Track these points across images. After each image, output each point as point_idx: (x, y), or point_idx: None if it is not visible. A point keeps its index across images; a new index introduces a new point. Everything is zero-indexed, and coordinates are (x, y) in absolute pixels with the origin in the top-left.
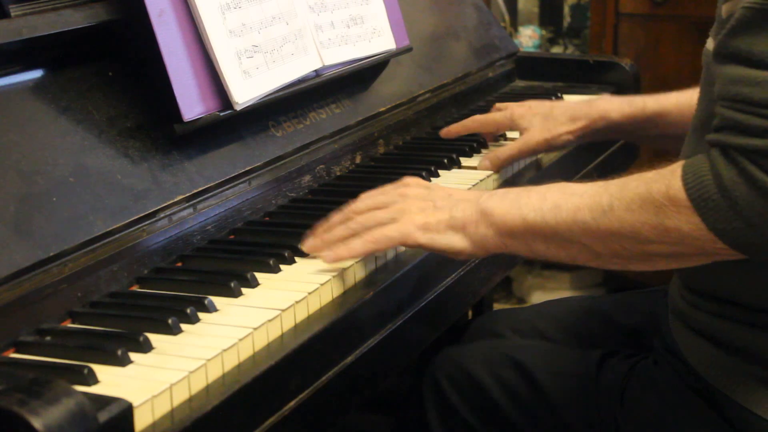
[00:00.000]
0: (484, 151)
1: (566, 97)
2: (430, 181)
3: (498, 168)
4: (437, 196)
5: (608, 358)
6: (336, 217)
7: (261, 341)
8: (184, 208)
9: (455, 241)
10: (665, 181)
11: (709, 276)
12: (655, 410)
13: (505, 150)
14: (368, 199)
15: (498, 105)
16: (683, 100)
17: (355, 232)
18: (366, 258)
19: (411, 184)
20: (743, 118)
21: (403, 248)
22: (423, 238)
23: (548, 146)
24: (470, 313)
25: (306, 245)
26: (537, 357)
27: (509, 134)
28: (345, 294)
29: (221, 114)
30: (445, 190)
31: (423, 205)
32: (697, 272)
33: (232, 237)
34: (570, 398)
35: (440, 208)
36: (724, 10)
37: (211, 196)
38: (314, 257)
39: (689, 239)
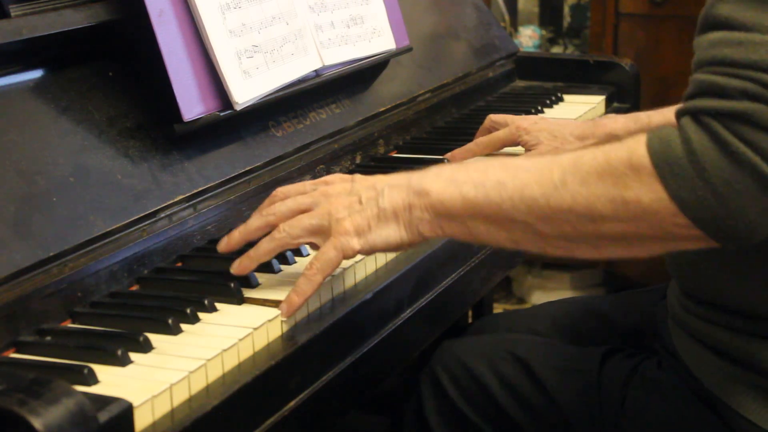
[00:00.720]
0: None
1: (566, 97)
2: None
3: None
4: (361, 188)
5: (611, 356)
6: (254, 220)
7: (261, 341)
8: (184, 208)
9: (390, 235)
10: (627, 147)
11: (707, 283)
12: (657, 413)
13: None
14: (289, 200)
15: (493, 117)
16: None
17: (282, 242)
18: (366, 258)
19: (333, 181)
20: (722, 80)
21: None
22: (359, 244)
23: None
24: (470, 313)
25: (234, 267)
26: (537, 352)
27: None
28: (345, 293)
29: (221, 114)
30: (369, 179)
31: (348, 202)
32: (694, 279)
33: None
34: (571, 394)
35: (367, 202)
36: None
37: (211, 196)
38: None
39: (649, 213)
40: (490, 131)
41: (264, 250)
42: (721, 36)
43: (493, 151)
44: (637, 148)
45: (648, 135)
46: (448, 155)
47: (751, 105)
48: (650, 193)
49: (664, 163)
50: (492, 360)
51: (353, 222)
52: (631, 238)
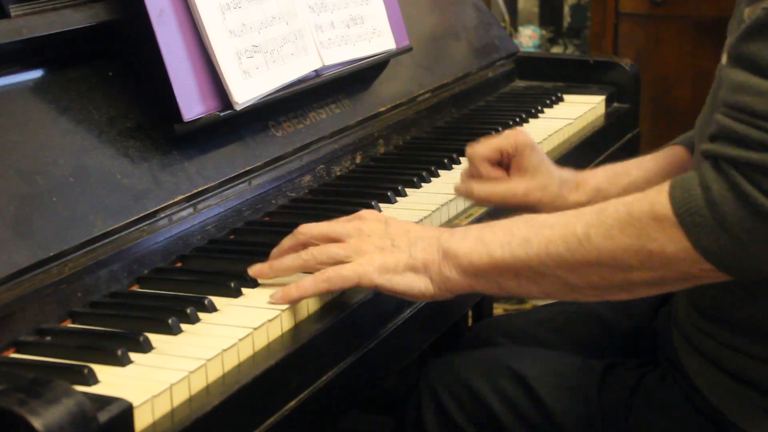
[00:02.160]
0: None
1: (566, 97)
2: (430, 181)
3: (478, 201)
4: (395, 234)
5: (612, 370)
6: (286, 241)
7: (261, 341)
8: (184, 208)
9: (416, 283)
10: (650, 199)
11: (717, 301)
12: (662, 430)
13: (491, 189)
14: (323, 226)
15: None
16: (662, 160)
17: (306, 264)
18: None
19: (368, 219)
20: (741, 129)
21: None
22: (381, 279)
23: (539, 206)
24: (470, 314)
25: (253, 269)
26: (537, 368)
27: None
28: (345, 294)
29: (221, 114)
30: (403, 226)
31: (380, 243)
32: (703, 294)
33: (232, 237)
34: (572, 411)
35: (398, 247)
36: (746, 13)
37: (211, 196)
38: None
39: (674, 262)
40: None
41: (286, 265)
42: (744, 80)
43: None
44: (660, 198)
45: (671, 184)
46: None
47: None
48: (673, 243)
49: (686, 213)
50: (491, 376)
51: (383, 259)
52: (659, 282)
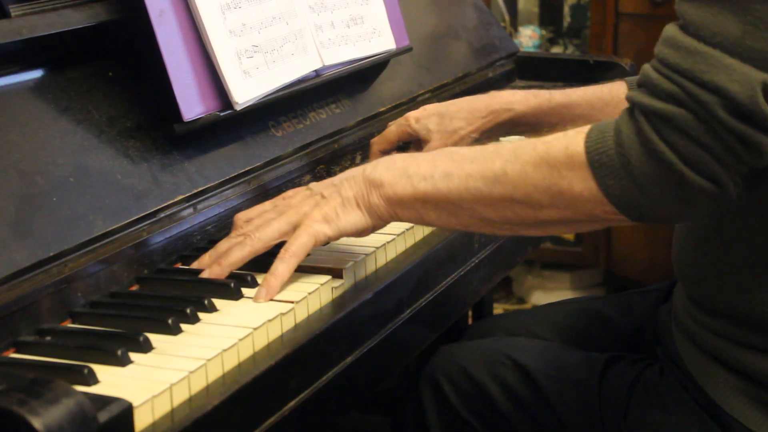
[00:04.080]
0: None
1: None
2: None
3: None
4: (321, 189)
5: (613, 364)
6: (223, 242)
7: (261, 341)
8: (184, 208)
9: (357, 220)
10: (568, 139)
11: (715, 292)
12: (660, 423)
13: None
14: (253, 212)
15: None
16: (591, 93)
17: (254, 248)
18: (366, 258)
19: (290, 195)
20: (657, 80)
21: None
22: (329, 229)
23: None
24: (470, 313)
25: (206, 273)
26: (538, 359)
27: None
28: (345, 294)
29: (221, 114)
30: (326, 181)
31: (312, 201)
32: (701, 286)
33: None
34: (572, 403)
35: (329, 197)
36: None
37: (211, 196)
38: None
39: (580, 201)
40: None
41: (235, 258)
42: (672, 34)
43: (389, 148)
44: (576, 138)
45: (590, 127)
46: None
47: (675, 109)
48: (581, 182)
49: (596, 153)
50: (492, 365)
51: (321, 211)
52: (568, 221)
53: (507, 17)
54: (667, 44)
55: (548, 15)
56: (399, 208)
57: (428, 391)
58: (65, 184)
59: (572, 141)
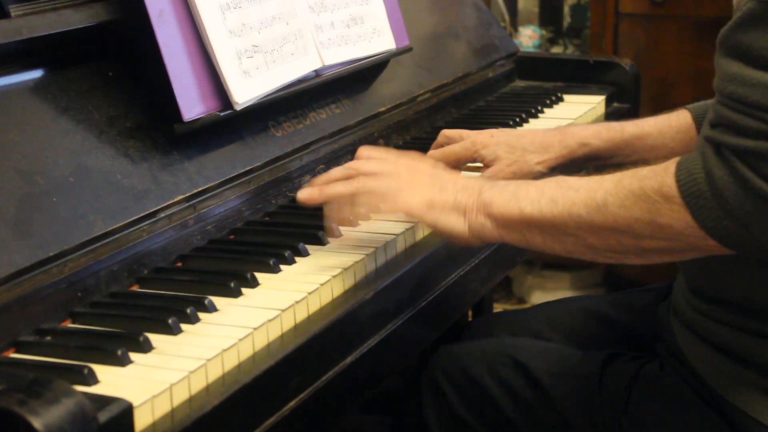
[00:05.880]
0: None
1: (566, 97)
2: None
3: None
4: (444, 178)
5: (613, 360)
6: (336, 171)
7: (261, 341)
8: (184, 208)
9: (456, 224)
10: (658, 178)
11: (717, 280)
12: (660, 418)
13: None
14: (375, 162)
15: (447, 132)
16: (662, 123)
17: (357, 190)
18: (366, 258)
19: (419, 159)
20: (737, 118)
21: (400, 248)
22: (427, 213)
23: (516, 179)
24: (470, 313)
25: (302, 193)
26: (538, 357)
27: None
28: (345, 294)
29: (221, 114)
30: (451, 173)
31: (430, 182)
32: (703, 276)
33: (232, 237)
34: (572, 400)
35: (446, 189)
36: (735, 1)
37: (211, 196)
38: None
39: (682, 236)
40: (443, 147)
41: (337, 190)
42: (739, 72)
43: (446, 165)
44: (667, 179)
45: (677, 166)
46: None
47: (765, 144)
48: (681, 221)
49: (691, 196)
50: (492, 365)
51: (431, 195)
52: (671, 250)
53: (507, 17)
54: (735, 82)
55: (548, 15)
56: (505, 230)
57: (428, 391)
58: (65, 184)
59: (664, 182)
